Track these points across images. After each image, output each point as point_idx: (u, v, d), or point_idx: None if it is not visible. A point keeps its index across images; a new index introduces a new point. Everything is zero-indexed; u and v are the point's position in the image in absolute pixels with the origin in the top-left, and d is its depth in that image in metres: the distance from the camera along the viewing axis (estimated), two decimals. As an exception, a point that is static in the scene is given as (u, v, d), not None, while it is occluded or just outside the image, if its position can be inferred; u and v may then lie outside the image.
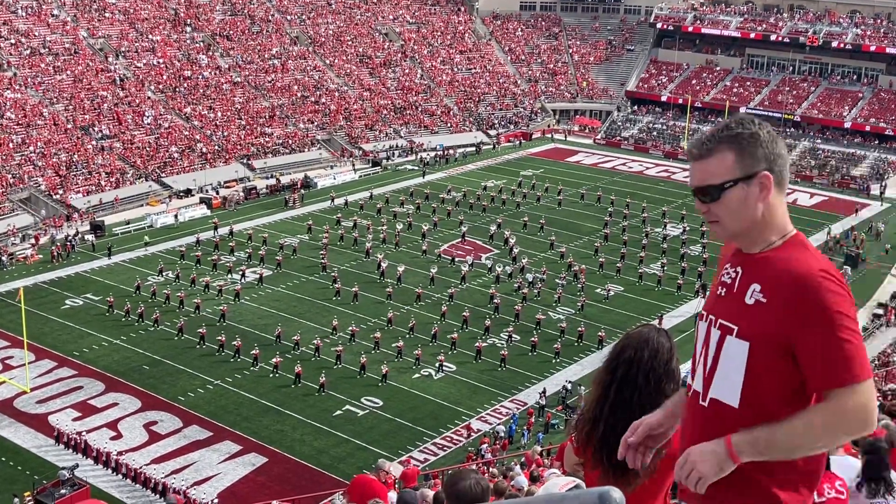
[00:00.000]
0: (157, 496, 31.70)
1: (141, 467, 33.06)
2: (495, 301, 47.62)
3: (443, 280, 50.80)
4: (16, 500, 29.72)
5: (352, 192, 68.23)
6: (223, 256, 54.00)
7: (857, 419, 2.73)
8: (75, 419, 36.31)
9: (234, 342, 41.91)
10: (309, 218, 61.67)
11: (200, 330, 43.06)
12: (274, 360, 40.70)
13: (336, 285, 49.39)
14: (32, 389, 38.19)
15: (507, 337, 44.06)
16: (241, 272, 51.22)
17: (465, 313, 46.01)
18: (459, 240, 58.16)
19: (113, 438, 35.11)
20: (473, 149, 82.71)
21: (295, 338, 42.82)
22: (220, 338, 42.45)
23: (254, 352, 41.15)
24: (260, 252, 54.11)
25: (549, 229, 59.80)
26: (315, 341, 42.30)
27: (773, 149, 2.90)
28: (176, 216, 61.61)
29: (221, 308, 45.89)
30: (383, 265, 51.94)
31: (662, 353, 3.52)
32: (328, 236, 57.18)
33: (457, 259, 54.18)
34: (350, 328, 43.85)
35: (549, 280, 51.16)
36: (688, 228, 60.93)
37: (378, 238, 57.37)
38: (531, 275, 51.41)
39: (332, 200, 65.38)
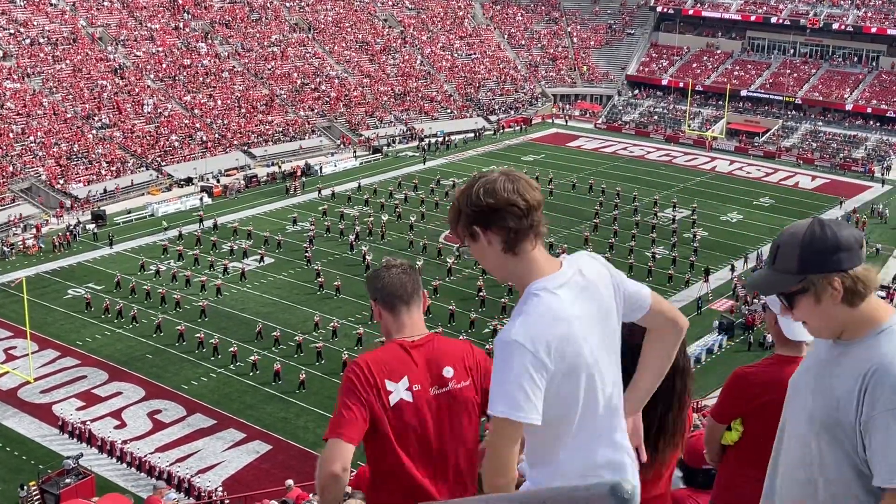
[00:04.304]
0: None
1: (146, 456, 33.16)
2: (481, 294, 46.26)
3: (431, 271, 48.59)
4: (22, 490, 29.83)
5: (351, 179, 68.03)
6: (211, 249, 52.98)
7: None
8: (79, 408, 36.39)
9: (212, 340, 40.91)
10: (309, 205, 61.51)
11: (179, 328, 42.18)
12: (251, 358, 39.79)
13: (320, 279, 48.21)
14: (36, 379, 38.25)
15: (492, 330, 41.76)
16: (223, 266, 50.23)
17: (451, 307, 43.81)
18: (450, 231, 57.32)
19: (117, 427, 35.21)
20: (473, 135, 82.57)
21: (274, 334, 41.89)
22: (198, 335, 41.54)
23: (231, 349, 40.24)
24: (243, 246, 53.23)
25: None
26: (297, 338, 41.47)
27: None
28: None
29: (202, 304, 44.93)
30: (368, 258, 50.56)
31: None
32: (314, 228, 56.33)
33: (443, 250, 52.21)
34: (332, 324, 42.78)
35: None
36: (677, 217, 59.55)
37: (364, 229, 56.40)
38: None
39: (320, 192, 64.71)
